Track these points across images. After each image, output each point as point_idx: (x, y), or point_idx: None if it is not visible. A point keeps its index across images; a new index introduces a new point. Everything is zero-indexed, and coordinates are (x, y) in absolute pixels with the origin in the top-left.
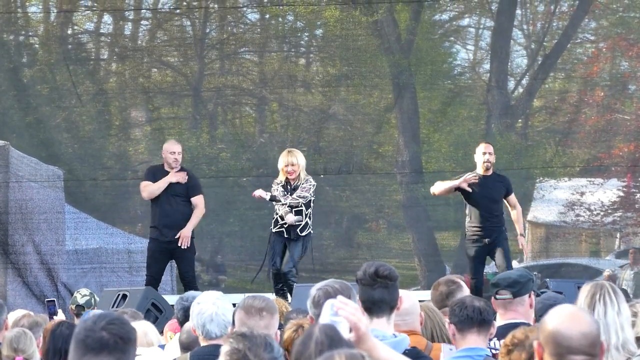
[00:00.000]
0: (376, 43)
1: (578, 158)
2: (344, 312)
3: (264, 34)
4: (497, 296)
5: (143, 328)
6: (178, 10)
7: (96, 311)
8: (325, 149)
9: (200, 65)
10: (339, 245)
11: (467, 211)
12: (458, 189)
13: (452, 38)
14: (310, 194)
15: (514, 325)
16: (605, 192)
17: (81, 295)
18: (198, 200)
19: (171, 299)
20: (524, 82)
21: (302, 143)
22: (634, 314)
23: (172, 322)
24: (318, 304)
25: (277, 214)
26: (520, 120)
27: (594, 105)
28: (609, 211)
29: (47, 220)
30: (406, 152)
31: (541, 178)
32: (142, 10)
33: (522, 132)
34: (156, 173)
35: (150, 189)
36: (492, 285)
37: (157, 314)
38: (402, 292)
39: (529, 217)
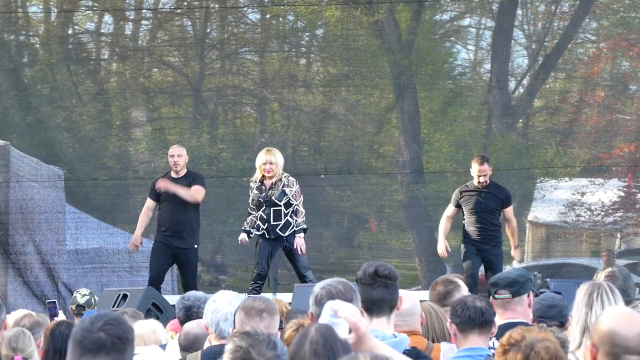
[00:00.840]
0: (377, 43)
1: (579, 158)
2: (343, 314)
3: (265, 34)
4: (496, 296)
5: (151, 326)
6: (179, 10)
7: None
8: (326, 149)
9: (201, 65)
10: (340, 245)
11: (464, 221)
12: (458, 205)
13: (452, 38)
14: (300, 198)
15: (513, 325)
16: (605, 192)
17: (81, 295)
18: (197, 187)
19: (172, 299)
20: (524, 82)
21: (302, 143)
22: None
23: (174, 322)
24: (320, 303)
25: (256, 217)
26: (521, 120)
27: (594, 106)
28: (610, 211)
29: (47, 220)
30: (407, 152)
31: (542, 178)
32: (143, 10)
33: (522, 132)
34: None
35: (141, 215)
36: (490, 284)
37: (157, 313)
38: (403, 293)
39: (530, 217)
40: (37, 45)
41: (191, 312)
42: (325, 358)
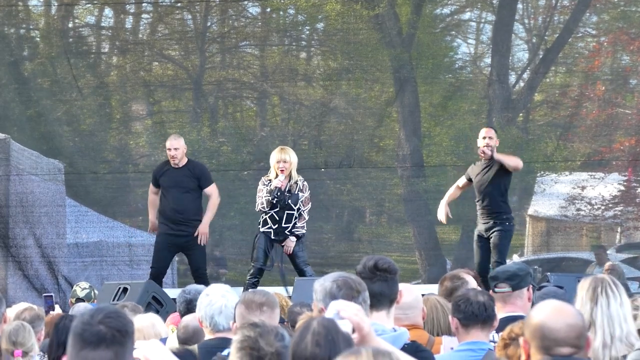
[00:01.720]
0: (377, 37)
1: (579, 152)
2: (346, 314)
3: (265, 27)
4: (496, 289)
5: (150, 320)
6: (179, 4)
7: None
8: (326, 143)
9: (201, 58)
10: (340, 239)
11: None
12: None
13: (453, 32)
14: (308, 205)
15: (513, 319)
16: (606, 186)
17: (81, 289)
18: (211, 190)
19: (172, 293)
20: (525, 76)
21: (303, 137)
22: (636, 307)
23: (174, 316)
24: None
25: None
26: (521, 114)
27: (595, 100)
28: (610, 205)
29: (47, 213)
30: (407, 146)
31: (542, 172)
32: (143, 4)
33: (523, 126)
34: (158, 172)
35: (149, 203)
36: (490, 278)
37: (157, 307)
38: (404, 286)
39: (530, 211)
40: (38, 39)
41: (192, 306)
42: (327, 349)
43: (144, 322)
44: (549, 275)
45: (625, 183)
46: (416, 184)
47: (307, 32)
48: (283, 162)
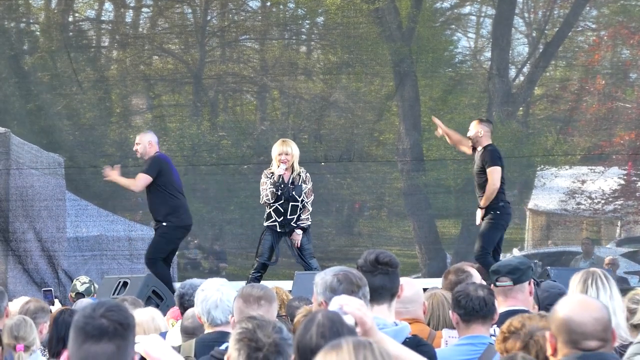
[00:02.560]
0: (377, 31)
1: (579, 146)
2: (349, 309)
3: (265, 21)
4: (497, 283)
5: (150, 314)
6: None
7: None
8: (326, 137)
9: (201, 52)
10: (340, 233)
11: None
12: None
13: (453, 26)
14: (311, 197)
15: (514, 313)
16: (606, 180)
17: (81, 283)
18: (138, 175)
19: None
20: (525, 70)
21: (303, 131)
22: (636, 302)
23: (174, 310)
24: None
25: (269, 207)
26: (521, 109)
27: (595, 94)
28: (610, 199)
29: (47, 207)
30: (407, 140)
31: (542, 166)
32: None
33: (523, 120)
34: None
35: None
36: (491, 272)
37: (157, 301)
38: (406, 280)
39: (530, 205)
40: (38, 33)
41: (184, 300)
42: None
43: (144, 316)
44: (548, 269)
45: (625, 177)
46: (416, 178)
47: (307, 26)
48: (285, 154)
